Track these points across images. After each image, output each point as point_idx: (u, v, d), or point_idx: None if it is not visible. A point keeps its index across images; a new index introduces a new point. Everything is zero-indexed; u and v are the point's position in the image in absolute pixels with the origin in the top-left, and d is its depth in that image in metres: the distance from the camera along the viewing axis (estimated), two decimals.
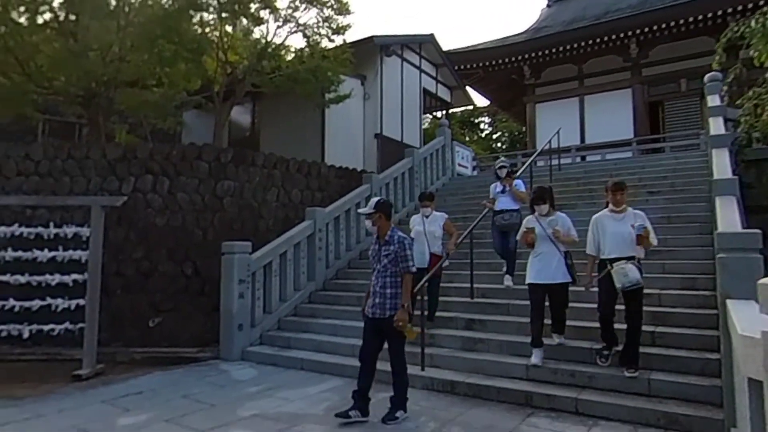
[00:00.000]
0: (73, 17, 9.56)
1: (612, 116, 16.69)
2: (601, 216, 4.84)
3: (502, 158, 8.04)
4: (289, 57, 10.66)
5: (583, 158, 15.60)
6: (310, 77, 9.85)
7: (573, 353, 5.08)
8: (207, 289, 8.00)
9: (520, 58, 17.39)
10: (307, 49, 10.52)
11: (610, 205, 4.75)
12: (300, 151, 10.69)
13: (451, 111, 18.89)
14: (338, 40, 10.67)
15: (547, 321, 5.14)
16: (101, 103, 10.19)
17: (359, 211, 4.91)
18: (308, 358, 6.17)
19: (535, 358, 4.99)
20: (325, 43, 10.55)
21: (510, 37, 18.43)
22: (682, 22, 14.77)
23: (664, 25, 15.13)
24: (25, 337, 6.02)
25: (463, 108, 30.00)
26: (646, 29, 15.36)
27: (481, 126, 34.78)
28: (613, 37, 15.81)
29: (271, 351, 6.66)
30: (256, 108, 12.95)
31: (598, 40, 15.99)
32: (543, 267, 5.00)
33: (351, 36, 11.93)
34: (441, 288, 6.87)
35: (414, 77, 14.56)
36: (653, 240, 4.59)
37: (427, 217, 6.37)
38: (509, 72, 18.29)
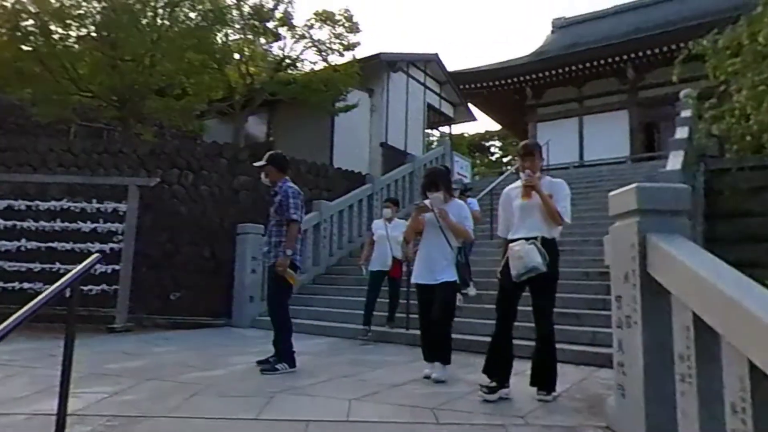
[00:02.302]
0: (113, 30, 10.80)
1: (609, 136, 17.40)
2: (512, 188, 3.77)
3: (456, 177, 8.63)
4: (304, 70, 11.79)
5: None
6: (321, 87, 10.93)
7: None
8: (222, 270, 8.93)
9: (522, 79, 18.31)
10: (319, 63, 11.67)
11: (521, 174, 3.64)
12: (310, 156, 11.69)
13: (461, 133, 19.93)
14: (348, 55, 11.82)
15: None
16: (133, 108, 11.38)
17: (255, 164, 4.70)
18: (309, 323, 7.02)
19: (432, 370, 4.08)
20: (336, 58, 11.69)
21: (513, 59, 19.49)
22: (674, 47, 15.69)
23: (657, 50, 15.97)
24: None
25: (474, 131, 30.94)
26: (641, 53, 16.20)
27: (492, 149, 35.83)
28: (610, 60, 16.67)
29: None
30: (272, 117, 14.08)
31: (596, 63, 16.86)
32: (427, 263, 4.09)
33: (361, 53, 13.08)
34: None
35: (419, 92, 15.66)
36: (564, 214, 3.51)
37: (389, 221, 6.49)
38: (512, 92, 19.23)
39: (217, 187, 9.64)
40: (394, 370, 4.51)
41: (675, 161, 6.60)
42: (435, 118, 17.43)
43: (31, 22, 10.28)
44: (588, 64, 16.84)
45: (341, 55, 11.66)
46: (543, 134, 18.63)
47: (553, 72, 17.51)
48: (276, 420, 2.78)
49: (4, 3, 10.38)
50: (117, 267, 7.02)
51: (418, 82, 15.73)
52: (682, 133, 8.25)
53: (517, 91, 19.03)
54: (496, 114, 21.90)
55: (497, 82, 18.54)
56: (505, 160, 35.06)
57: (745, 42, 7.06)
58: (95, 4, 10.71)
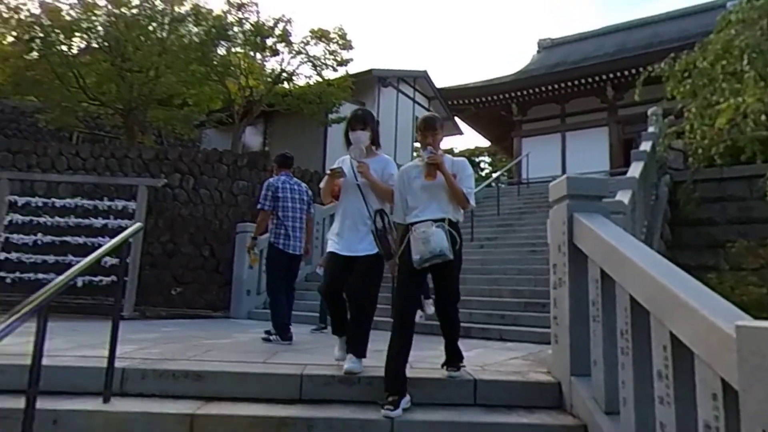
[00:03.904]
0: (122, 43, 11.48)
1: (590, 151, 18.25)
2: (410, 166, 3.37)
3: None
4: (299, 83, 12.55)
5: None
6: (315, 100, 11.68)
7: (504, 305, 6.55)
8: (221, 267, 9.55)
9: (508, 96, 19.17)
10: (314, 77, 12.44)
11: (422, 152, 3.26)
12: (304, 164, 12.37)
13: (450, 148, 20.71)
14: (341, 70, 12.59)
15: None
16: (137, 116, 12.03)
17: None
18: (302, 314, 7.63)
19: (340, 351, 3.49)
20: (330, 73, 12.47)
21: (499, 77, 20.41)
22: (649, 68, 16.66)
23: (634, 71, 16.88)
24: (79, 285, 7.55)
25: (463, 146, 31.79)
26: (619, 74, 17.13)
27: (482, 165, 36.86)
28: (590, 80, 17.58)
29: None
30: (268, 127, 14.79)
31: (577, 82, 17.76)
32: (344, 229, 3.44)
33: (353, 68, 13.87)
34: None
35: (408, 107, 16.47)
36: (469, 196, 3.23)
37: None
38: (499, 109, 20.10)
39: (216, 191, 10.28)
40: (376, 343, 5.13)
41: (634, 170, 7.35)
42: None
43: (41, 34, 10.94)
44: (570, 83, 17.72)
45: (335, 70, 12.47)
46: (528, 149, 19.48)
47: (538, 90, 18.40)
48: (280, 363, 3.40)
49: (18, 15, 11.06)
50: (127, 260, 7.60)
51: (408, 97, 16.54)
52: (645, 146, 9.03)
53: (503, 108, 19.89)
54: (484, 129, 22.75)
55: (484, 99, 19.40)
56: (494, 175, 36.03)
57: (699, 65, 7.91)
58: (103, 18, 11.42)
